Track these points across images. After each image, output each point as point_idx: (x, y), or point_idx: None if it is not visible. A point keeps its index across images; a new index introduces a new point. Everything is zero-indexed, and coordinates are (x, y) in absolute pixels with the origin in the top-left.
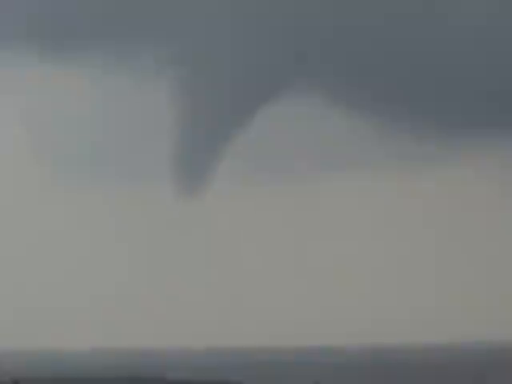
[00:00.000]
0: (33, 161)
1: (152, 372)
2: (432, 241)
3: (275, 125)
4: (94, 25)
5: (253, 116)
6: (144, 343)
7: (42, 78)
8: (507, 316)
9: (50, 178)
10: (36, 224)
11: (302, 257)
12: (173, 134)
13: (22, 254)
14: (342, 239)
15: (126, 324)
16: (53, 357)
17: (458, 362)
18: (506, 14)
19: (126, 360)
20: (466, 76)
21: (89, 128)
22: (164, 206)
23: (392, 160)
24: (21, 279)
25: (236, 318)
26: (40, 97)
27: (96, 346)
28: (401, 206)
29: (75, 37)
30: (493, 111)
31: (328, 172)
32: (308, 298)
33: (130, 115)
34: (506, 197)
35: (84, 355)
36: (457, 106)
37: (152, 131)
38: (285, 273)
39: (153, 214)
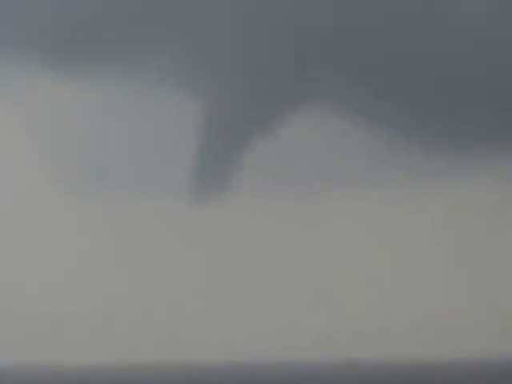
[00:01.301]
0: (42, 174)
1: None
2: (440, 256)
3: (284, 137)
4: (106, 36)
5: (268, 128)
6: (149, 357)
7: (53, 90)
8: None
9: (61, 189)
10: (46, 236)
11: (310, 270)
12: (187, 145)
13: (23, 262)
14: (350, 253)
15: (128, 337)
16: (53, 371)
17: (466, 378)
18: None
19: (130, 375)
20: (479, 88)
21: (100, 140)
22: (172, 216)
23: (400, 174)
24: (19, 287)
25: (242, 332)
26: (51, 109)
27: (98, 360)
28: (409, 221)
29: (87, 48)
30: (508, 126)
31: (336, 185)
32: (316, 311)
33: (143, 127)
34: None
35: (85, 370)
36: (469, 119)
37: (164, 142)
38: (292, 286)
39: (162, 224)
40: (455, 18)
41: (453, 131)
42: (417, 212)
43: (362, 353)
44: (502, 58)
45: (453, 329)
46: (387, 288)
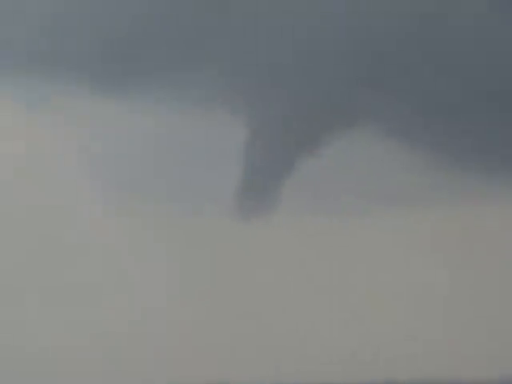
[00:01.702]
0: (93, 195)
1: None
2: (490, 282)
3: (324, 155)
4: (148, 56)
5: (319, 146)
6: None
7: (103, 112)
8: None
9: (112, 210)
10: (96, 256)
11: (347, 289)
12: (233, 164)
13: (72, 280)
14: (387, 274)
15: (180, 356)
16: None
17: None
18: None
19: None
20: None
21: (149, 160)
22: (214, 233)
23: (443, 195)
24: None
25: (274, 354)
26: (102, 131)
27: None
28: (449, 242)
29: (129, 69)
30: None
31: (375, 206)
32: (351, 333)
33: (188, 147)
34: None
35: None
36: None
37: (211, 161)
38: (325, 305)
39: (205, 241)
40: None
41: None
42: (457, 233)
43: (400, 374)
44: None
45: (492, 349)
46: (426, 309)
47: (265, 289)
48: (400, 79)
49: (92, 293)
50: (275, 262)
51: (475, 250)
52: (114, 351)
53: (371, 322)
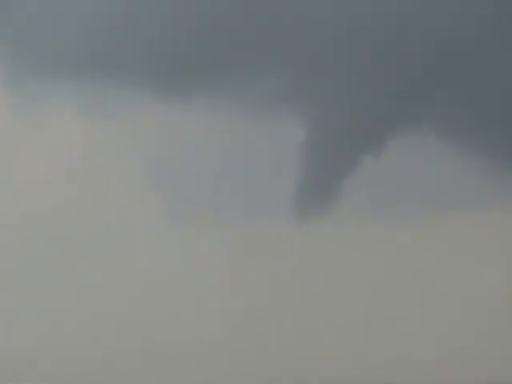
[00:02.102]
0: (146, 200)
1: None
2: None
3: (383, 158)
4: (210, 57)
5: (371, 152)
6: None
7: (158, 116)
8: None
9: (168, 217)
10: (152, 266)
11: (403, 292)
12: (290, 167)
13: (134, 292)
14: (446, 277)
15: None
16: None
17: None
18: None
19: None
20: None
21: (205, 164)
22: (271, 237)
23: (501, 200)
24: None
25: (339, 352)
26: (161, 135)
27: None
28: (506, 248)
29: (191, 71)
30: None
31: (433, 214)
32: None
33: (248, 150)
34: None
35: None
36: None
37: (271, 165)
38: (381, 308)
39: (262, 245)
40: None
41: None
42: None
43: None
44: None
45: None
46: (487, 313)
47: (323, 290)
48: (458, 81)
49: (148, 293)
50: (332, 264)
51: None
52: (178, 357)
53: (436, 323)
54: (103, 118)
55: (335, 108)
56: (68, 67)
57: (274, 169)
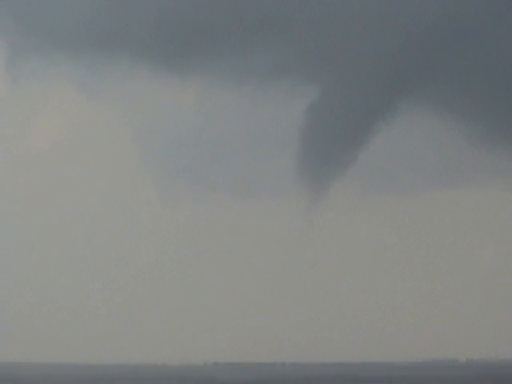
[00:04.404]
0: (145, 175)
1: None
2: None
3: (382, 137)
4: (210, 36)
5: (371, 129)
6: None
7: (156, 91)
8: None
9: (165, 192)
10: (146, 242)
11: (405, 265)
12: (291, 146)
13: (127, 265)
14: (446, 251)
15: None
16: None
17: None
18: None
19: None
20: None
21: (205, 141)
22: (270, 216)
23: (500, 175)
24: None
25: (351, 332)
26: (153, 110)
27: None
28: (504, 222)
29: (191, 48)
30: None
31: (431, 187)
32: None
33: (248, 127)
34: None
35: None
36: None
37: (269, 144)
38: (383, 286)
39: (264, 225)
40: None
41: None
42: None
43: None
44: None
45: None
46: (478, 285)
47: (330, 265)
48: (461, 60)
49: (143, 270)
50: (334, 238)
51: None
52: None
53: (435, 296)
54: (101, 94)
55: (336, 86)
56: (68, 44)
57: (274, 144)
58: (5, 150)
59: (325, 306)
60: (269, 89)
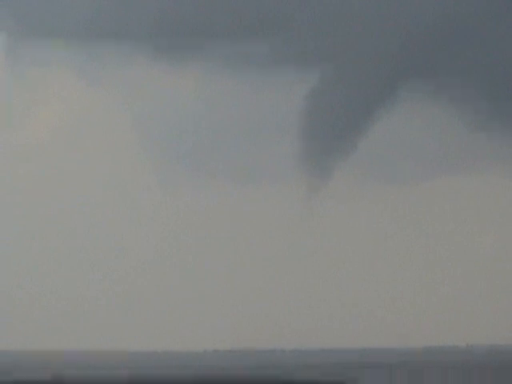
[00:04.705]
0: (145, 163)
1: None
2: None
3: (387, 123)
4: (210, 24)
5: (372, 116)
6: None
7: (157, 78)
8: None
9: (165, 179)
10: (146, 230)
11: (403, 252)
12: (291, 133)
13: (130, 254)
14: (445, 238)
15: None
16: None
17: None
18: None
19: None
20: None
21: (205, 127)
22: (279, 208)
23: (500, 163)
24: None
25: (330, 321)
26: (153, 96)
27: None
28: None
29: (191, 35)
30: None
31: (431, 175)
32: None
33: (248, 113)
34: None
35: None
36: None
37: (269, 131)
38: (383, 274)
39: (264, 213)
40: None
41: None
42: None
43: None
44: None
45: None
46: (479, 271)
47: (330, 252)
48: (465, 52)
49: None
50: (334, 225)
51: None
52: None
53: (435, 283)
54: (100, 81)
55: (335, 73)
56: (68, 32)
57: (274, 130)
58: (4, 138)
59: (325, 292)
60: (269, 75)
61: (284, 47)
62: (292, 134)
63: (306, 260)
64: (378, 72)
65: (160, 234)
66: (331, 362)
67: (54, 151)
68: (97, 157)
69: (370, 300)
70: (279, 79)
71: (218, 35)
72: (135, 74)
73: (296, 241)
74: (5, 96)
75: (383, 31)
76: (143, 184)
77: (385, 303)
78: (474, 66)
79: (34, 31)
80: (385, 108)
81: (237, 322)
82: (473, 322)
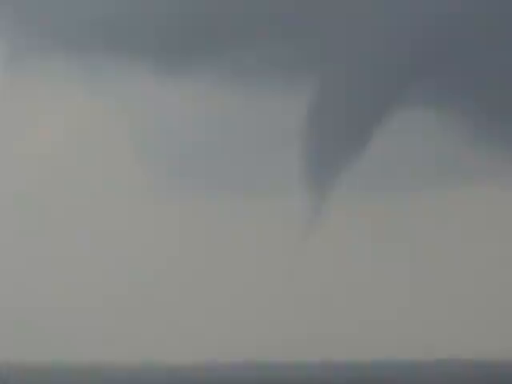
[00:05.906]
0: (143, 176)
1: None
2: None
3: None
4: (210, 37)
5: (369, 131)
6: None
7: (157, 91)
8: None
9: (165, 191)
10: (144, 241)
11: (400, 259)
12: (291, 145)
13: (121, 260)
14: (445, 248)
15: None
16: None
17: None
18: None
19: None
20: None
21: (205, 142)
22: (272, 215)
23: (497, 176)
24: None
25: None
26: (153, 109)
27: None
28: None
29: (192, 49)
30: None
31: (428, 183)
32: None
33: (248, 125)
34: None
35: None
36: None
37: (271, 144)
38: (384, 287)
39: (266, 225)
40: None
41: None
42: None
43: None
44: None
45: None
46: (483, 282)
47: (332, 263)
48: (461, 68)
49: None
50: (335, 236)
51: None
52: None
53: (436, 296)
54: (100, 94)
55: (335, 85)
56: (69, 42)
57: (274, 144)
58: (2, 149)
59: (326, 305)
60: (268, 83)
61: (284, 53)
62: (295, 146)
63: (308, 271)
64: (373, 84)
65: (157, 248)
66: (331, 374)
67: (53, 162)
68: (96, 168)
69: (372, 311)
70: (279, 88)
71: (219, 48)
72: (135, 86)
73: (298, 252)
74: (4, 108)
75: (384, 37)
76: (140, 197)
77: (387, 315)
78: (475, 79)
79: (35, 43)
80: (380, 122)
81: (237, 334)
82: (476, 334)
